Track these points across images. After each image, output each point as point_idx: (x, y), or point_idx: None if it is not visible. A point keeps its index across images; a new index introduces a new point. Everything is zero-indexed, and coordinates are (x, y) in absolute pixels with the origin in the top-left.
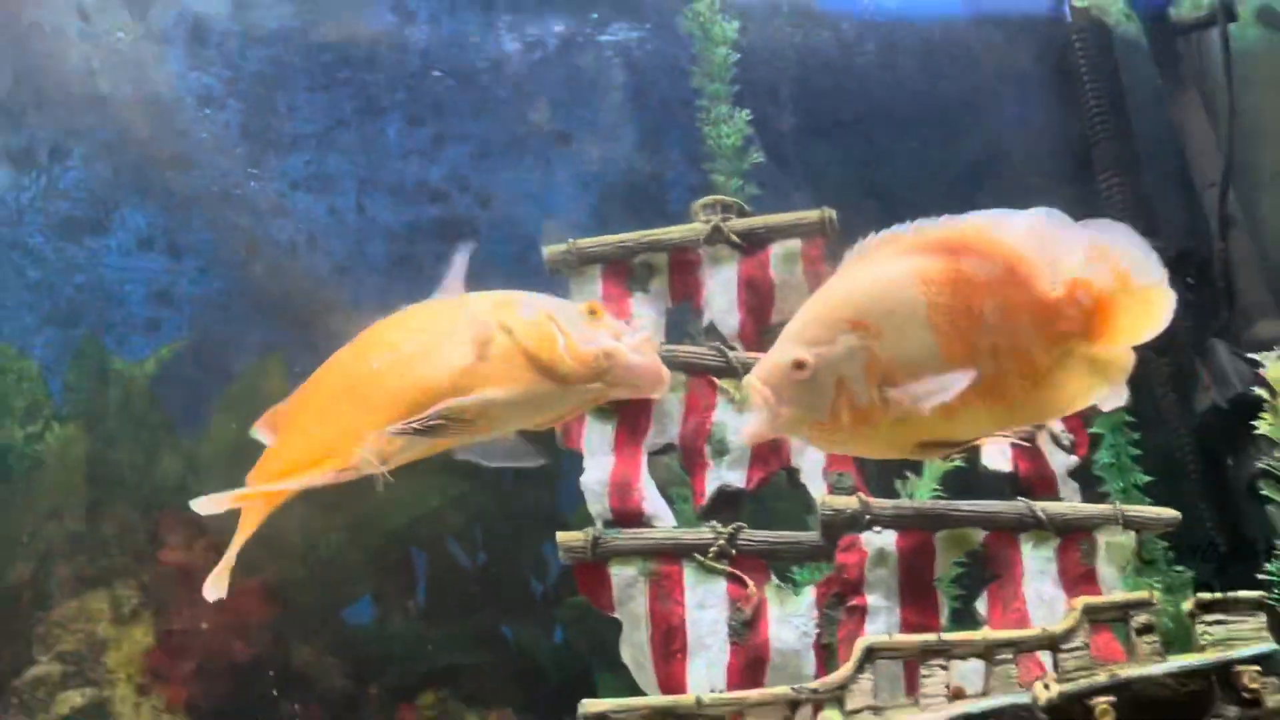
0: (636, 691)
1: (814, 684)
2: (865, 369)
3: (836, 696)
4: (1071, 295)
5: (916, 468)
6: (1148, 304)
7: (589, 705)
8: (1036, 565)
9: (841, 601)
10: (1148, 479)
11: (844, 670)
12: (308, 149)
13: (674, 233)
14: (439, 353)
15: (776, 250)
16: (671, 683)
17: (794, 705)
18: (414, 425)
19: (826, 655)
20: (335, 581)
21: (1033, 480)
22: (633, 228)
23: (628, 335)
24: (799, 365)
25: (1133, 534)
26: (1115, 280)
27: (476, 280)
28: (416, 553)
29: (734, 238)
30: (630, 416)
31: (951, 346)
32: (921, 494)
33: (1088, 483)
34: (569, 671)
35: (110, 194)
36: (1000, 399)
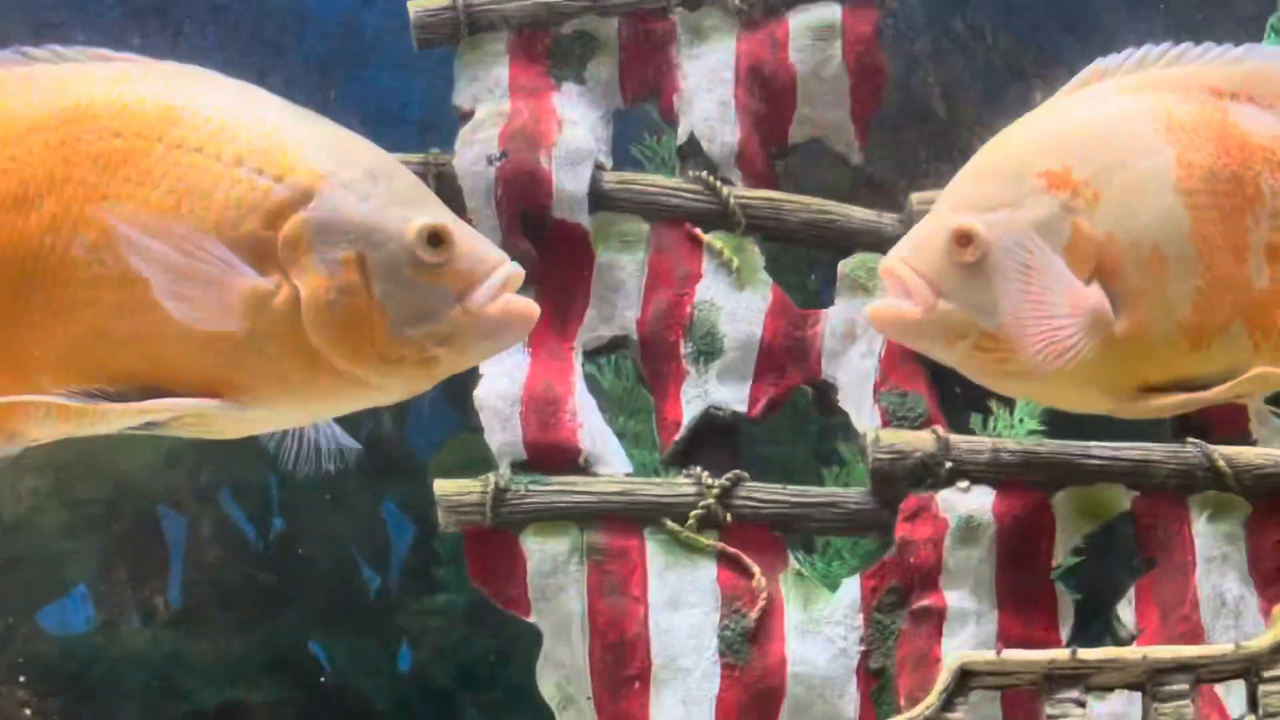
0: None
1: None
2: (1066, 250)
3: None
4: None
5: (1002, 398)
6: None
7: None
8: (1216, 546)
9: (903, 601)
10: None
11: (925, 704)
12: None
13: None
14: (184, 290)
15: (800, 21)
16: None
17: None
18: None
19: (877, 685)
20: (27, 562)
21: (1212, 413)
22: None
23: (487, 284)
24: (963, 238)
25: None
26: None
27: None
28: (167, 515)
29: None
30: (554, 289)
31: (1208, 230)
32: (1018, 433)
33: None
34: (421, 718)
35: None
36: (1269, 330)
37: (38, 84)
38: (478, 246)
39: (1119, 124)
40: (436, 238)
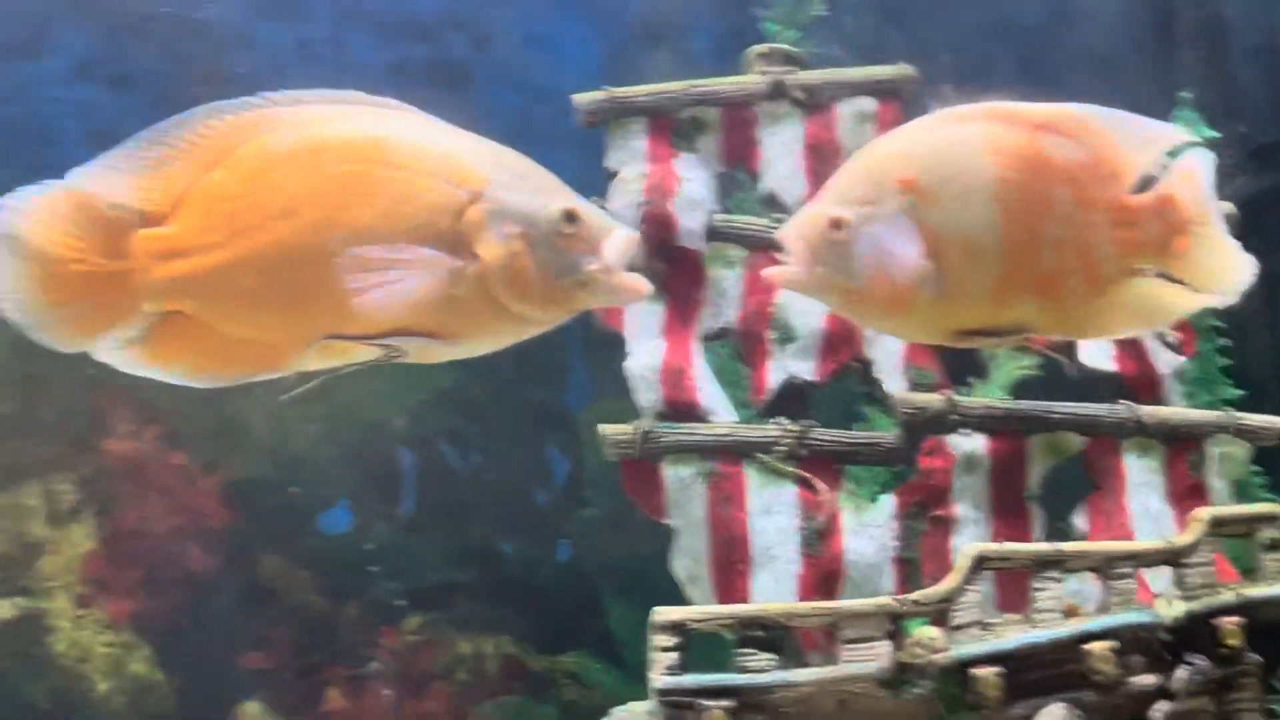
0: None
1: (916, 595)
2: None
3: (940, 610)
4: (1157, 207)
5: (981, 374)
6: (1227, 256)
7: (662, 613)
8: (1141, 476)
9: (924, 511)
10: (1239, 393)
11: (950, 581)
12: None
13: (728, 84)
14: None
15: (845, 110)
16: (732, 598)
17: (895, 617)
18: (362, 359)
19: (907, 571)
20: (308, 482)
21: (1137, 382)
22: (654, 81)
23: (609, 243)
24: (836, 224)
25: (1247, 445)
26: (1198, 212)
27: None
28: (403, 452)
29: (797, 93)
30: (680, 296)
31: (1015, 229)
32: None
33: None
34: (575, 595)
35: (42, 10)
36: (1055, 299)
37: (280, 123)
38: (599, 220)
39: (959, 146)
40: (571, 216)
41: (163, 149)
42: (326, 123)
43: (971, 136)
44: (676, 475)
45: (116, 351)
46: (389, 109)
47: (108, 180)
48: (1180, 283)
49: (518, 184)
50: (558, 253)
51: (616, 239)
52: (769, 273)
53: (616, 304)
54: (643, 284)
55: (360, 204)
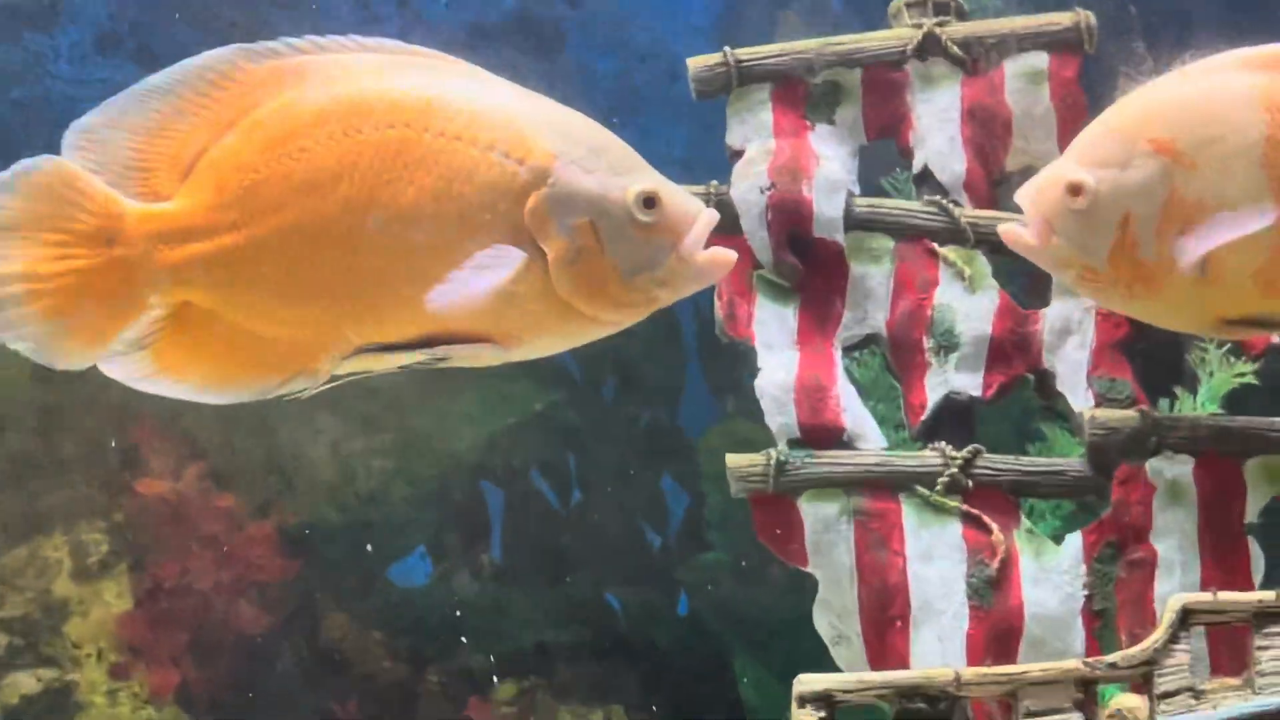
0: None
1: (1113, 657)
2: (1162, 209)
3: (1142, 674)
4: None
5: (1189, 384)
6: None
7: (805, 682)
8: None
9: (1119, 554)
10: None
11: (1152, 639)
12: None
13: (870, 41)
14: (456, 258)
15: (1013, 68)
16: (889, 660)
17: (1087, 684)
18: (401, 364)
19: (1100, 625)
20: (379, 527)
21: None
22: (782, 40)
23: (694, 231)
24: (1075, 190)
25: None
26: None
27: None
28: (489, 489)
29: (954, 49)
30: (817, 297)
31: None
32: None
33: None
34: (699, 657)
35: None
36: None
37: (309, 77)
38: (683, 202)
39: (1222, 101)
40: (650, 200)
41: (165, 106)
42: (366, 78)
43: (1241, 90)
44: (817, 514)
45: (122, 360)
46: (440, 62)
47: (95, 148)
48: None
49: (589, 160)
50: (633, 244)
51: (702, 225)
52: (1005, 229)
53: (699, 288)
54: (728, 254)
55: (404, 179)
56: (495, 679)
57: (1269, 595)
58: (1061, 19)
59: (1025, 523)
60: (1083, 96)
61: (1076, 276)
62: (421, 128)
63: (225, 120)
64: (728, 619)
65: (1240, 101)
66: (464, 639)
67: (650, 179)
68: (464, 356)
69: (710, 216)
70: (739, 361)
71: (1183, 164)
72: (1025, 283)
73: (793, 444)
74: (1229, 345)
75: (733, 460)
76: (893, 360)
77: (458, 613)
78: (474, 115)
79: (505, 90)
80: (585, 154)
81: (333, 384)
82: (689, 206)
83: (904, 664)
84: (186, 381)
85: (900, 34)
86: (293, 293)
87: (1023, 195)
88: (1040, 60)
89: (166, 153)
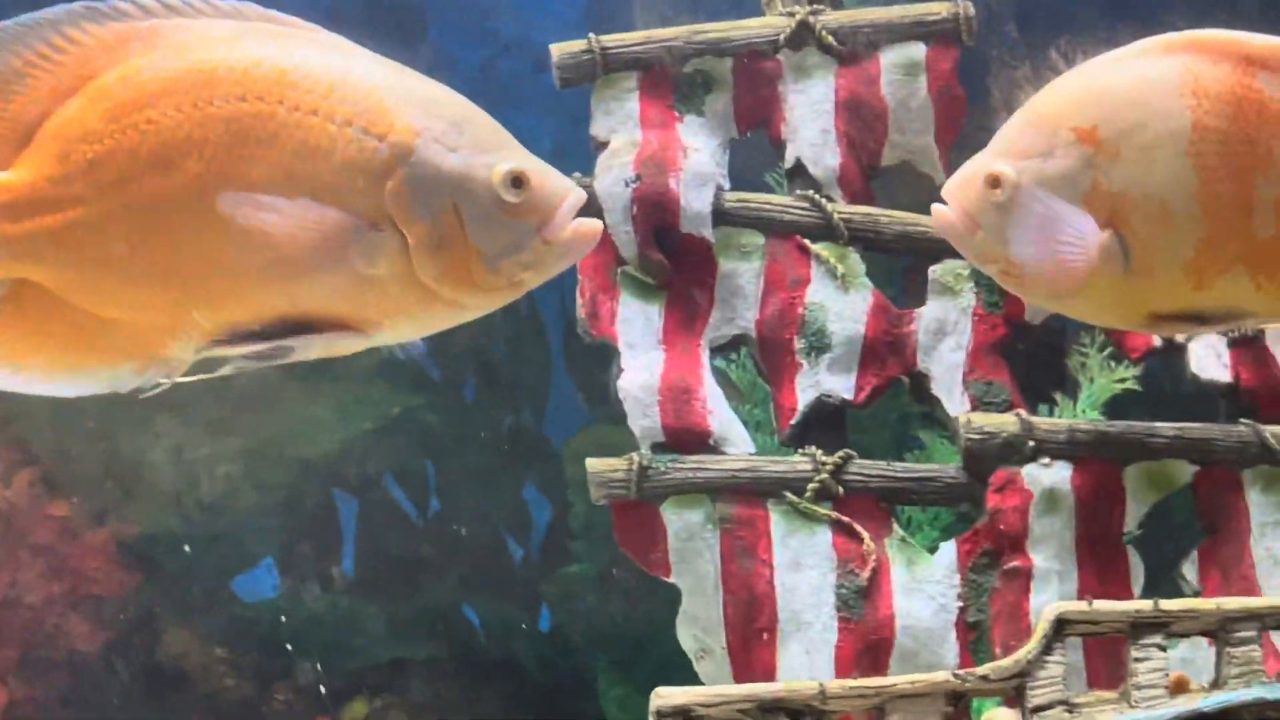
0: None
1: (984, 669)
2: (1085, 200)
3: (1015, 686)
4: None
5: (1069, 388)
6: None
7: (664, 696)
8: (1268, 514)
9: (995, 563)
10: None
11: (1025, 650)
12: None
13: (741, 29)
14: (312, 245)
15: (889, 59)
16: (754, 674)
17: (957, 697)
18: (247, 351)
19: (974, 637)
20: (223, 537)
21: (1260, 396)
22: (650, 26)
23: (562, 212)
24: (994, 182)
25: None
26: None
27: None
28: (342, 497)
29: (828, 38)
30: (682, 294)
31: (1215, 190)
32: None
33: None
34: (561, 673)
35: None
36: (1273, 274)
37: (159, 43)
38: (551, 182)
39: (1147, 86)
40: (518, 180)
41: (1, 65)
42: (219, 46)
43: (1166, 75)
44: (681, 521)
45: None
46: (299, 31)
47: None
48: None
49: (453, 137)
50: (499, 227)
51: (569, 205)
52: (936, 211)
53: (566, 267)
54: (592, 225)
55: (256, 156)
56: (346, 697)
57: (1146, 605)
58: (939, 9)
59: (898, 531)
60: (960, 89)
61: (1000, 271)
62: (276, 100)
63: (67, 85)
64: (591, 634)
65: (1166, 87)
66: (313, 655)
67: (517, 157)
68: (321, 344)
69: (578, 196)
70: (607, 362)
71: (1106, 153)
72: (901, 281)
73: (657, 448)
74: (1110, 349)
75: (593, 465)
76: (762, 361)
77: (307, 627)
78: (332, 88)
79: (367, 62)
80: (449, 130)
81: (189, 379)
82: (557, 186)
83: (770, 678)
84: (27, 370)
85: (773, 22)
86: (139, 274)
87: (948, 189)
88: (917, 51)
89: (3, 116)
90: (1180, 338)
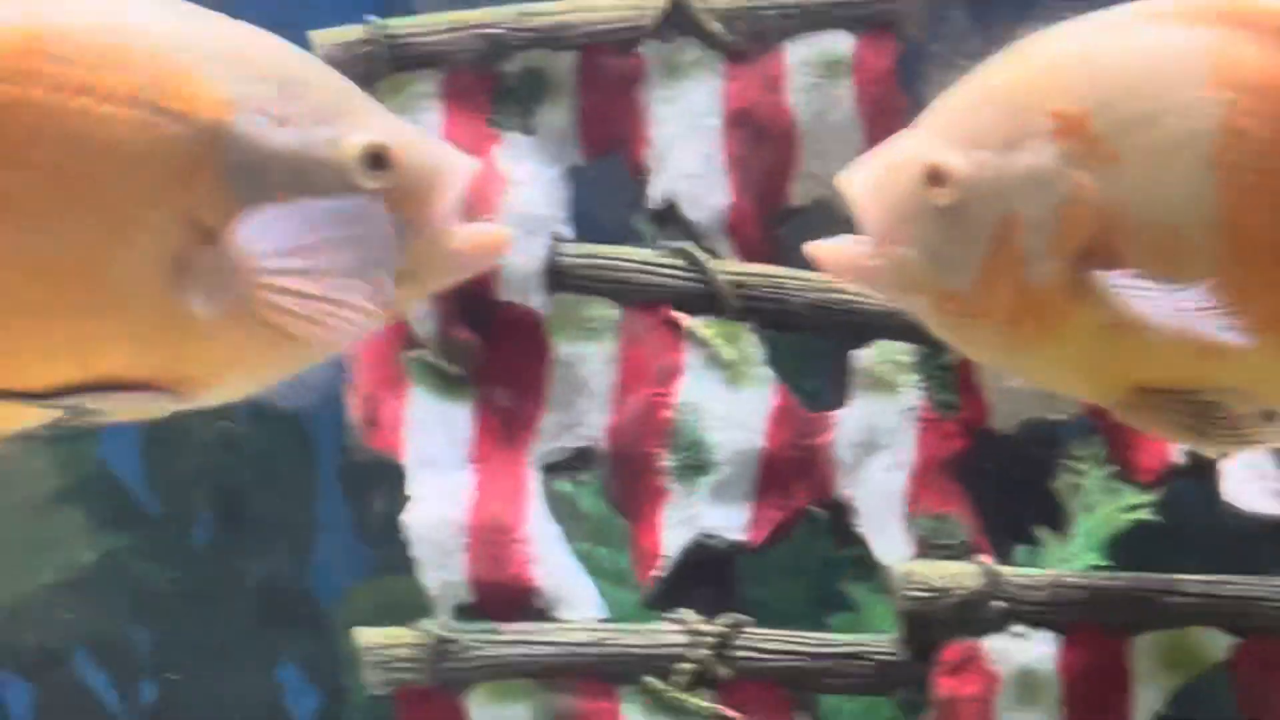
0: None
1: None
2: (1063, 212)
3: None
4: None
5: (1056, 522)
6: None
7: None
8: None
9: None
10: None
11: None
12: None
13: (590, 10)
14: (100, 281)
15: (799, 54)
16: None
17: None
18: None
19: None
20: None
21: None
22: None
23: (441, 194)
24: (936, 176)
25: None
26: None
27: None
28: (9, 683)
29: (712, 24)
30: (502, 390)
31: (1245, 219)
32: (1074, 568)
33: None
34: None
35: None
36: None
37: None
38: (426, 154)
39: (1162, 60)
40: (377, 159)
41: None
42: None
43: (1187, 53)
44: (496, 718)
45: None
46: None
47: None
48: None
49: (283, 105)
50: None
51: (456, 189)
52: (817, 248)
53: (460, 279)
54: (502, 233)
55: (9, 161)
56: None
57: None
58: None
59: None
60: (901, 96)
61: (932, 305)
62: (27, 80)
63: None
64: None
65: (1186, 70)
66: None
67: (377, 125)
68: (126, 408)
69: (466, 169)
70: (392, 485)
71: (1098, 152)
72: (816, 371)
73: (462, 611)
74: (1116, 468)
75: (369, 637)
76: (616, 486)
77: None
78: (104, 53)
79: (148, 8)
80: (277, 97)
81: None
82: (435, 159)
83: None
84: None
85: (634, 2)
86: None
87: (854, 185)
88: (841, 43)
89: None
90: (1211, 453)
